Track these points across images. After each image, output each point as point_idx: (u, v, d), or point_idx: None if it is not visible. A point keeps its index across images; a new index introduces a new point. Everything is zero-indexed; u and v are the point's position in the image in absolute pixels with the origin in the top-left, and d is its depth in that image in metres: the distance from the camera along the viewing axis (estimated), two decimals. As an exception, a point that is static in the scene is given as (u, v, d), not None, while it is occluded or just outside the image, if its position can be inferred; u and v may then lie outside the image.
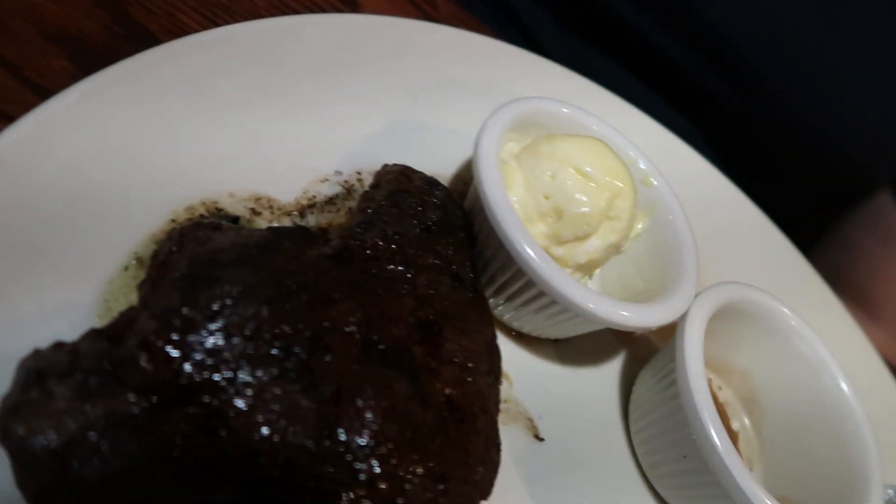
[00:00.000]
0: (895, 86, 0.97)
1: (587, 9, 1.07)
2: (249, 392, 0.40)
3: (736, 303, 0.63)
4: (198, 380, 0.39)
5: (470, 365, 0.50)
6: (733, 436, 0.68)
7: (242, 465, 0.38)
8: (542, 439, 0.58)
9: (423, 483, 0.43)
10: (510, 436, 0.56)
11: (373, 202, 0.55)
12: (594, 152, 0.55)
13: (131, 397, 0.37)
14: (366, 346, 0.46)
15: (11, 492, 0.37)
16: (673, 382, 0.58)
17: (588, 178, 0.54)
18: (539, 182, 0.55)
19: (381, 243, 0.52)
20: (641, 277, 0.65)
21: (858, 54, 0.97)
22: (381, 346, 0.46)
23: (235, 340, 0.41)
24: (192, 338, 0.40)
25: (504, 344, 0.59)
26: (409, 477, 0.42)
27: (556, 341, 0.64)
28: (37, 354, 0.38)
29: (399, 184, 0.57)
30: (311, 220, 0.57)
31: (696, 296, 0.59)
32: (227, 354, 0.40)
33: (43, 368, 0.36)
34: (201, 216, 0.51)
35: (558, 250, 0.56)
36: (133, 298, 0.46)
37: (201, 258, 0.44)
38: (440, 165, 0.66)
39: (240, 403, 0.39)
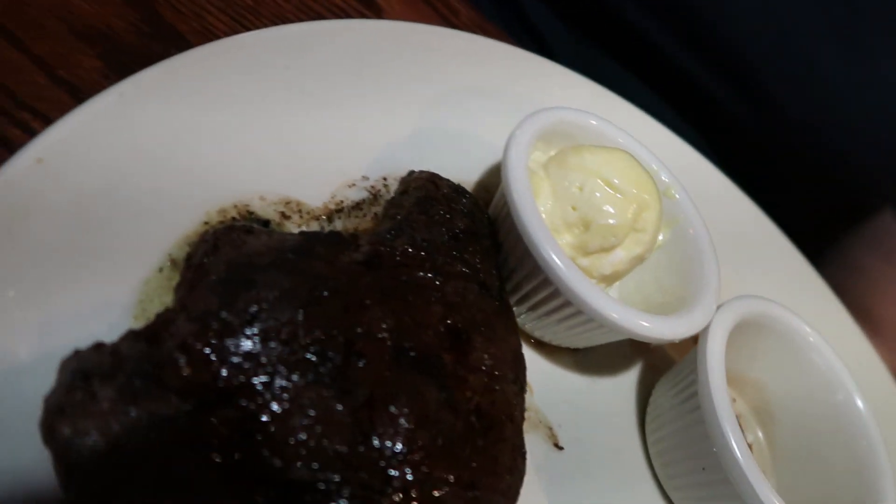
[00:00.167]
0: None
1: (600, 16, 1.07)
2: (286, 396, 0.40)
3: (754, 317, 0.63)
4: (235, 383, 0.40)
5: (497, 373, 0.50)
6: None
7: (278, 469, 0.38)
8: (561, 448, 0.59)
9: (453, 491, 0.43)
10: (531, 444, 0.56)
11: (401, 209, 0.55)
12: (622, 164, 0.56)
13: (172, 399, 0.37)
14: (397, 353, 0.46)
15: (52, 491, 0.37)
16: (693, 395, 0.58)
17: (616, 190, 0.55)
18: (567, 193, 0.56)
19: (410, 250, 0.52)
20: (660, 289, 0.66)
21: (871, 74, 0.98)
22: (412, 353, 0.47)
23: (272, 344, 0.41)
24: (229, 341, 0.40)
25: (524, 352, 0.60)
26: (441, 484, 0.42)
27: (574, 351, 0.65)
28: (78, 355, 0.38)
29: (427, 191, 0.57)
30: (339, 225, 0.57)
31: (717, 309, 0.60)
32: (263, 358, 0.41)
33: (87, 369, 0.36)
34: (233, 219, 0.51)
35: (584, 261, 0.56)
36: (167, 300, 0.46)
37: (238, 262, 0.44)
38: (463, 173, 0.66)
39: (276, 407, 0.40)
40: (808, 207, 1.15)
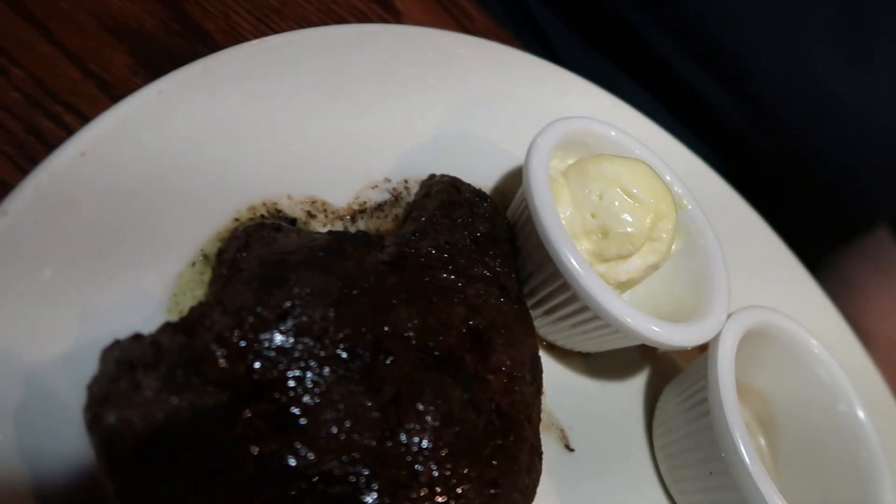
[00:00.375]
0: None
1: (609, 28, 1.09)
2: (317, 391, 0.41)
3: (762, 327, 0.65)
4: (269, 377, 0.41)
5: (516, 374, 0.51)
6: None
7: (311, 462, 0.39)
8: (572, 450, 0.60)
9: (476, 487, 0.44)
10: (544, 445, 0.58)
11: (425, 211, 0.56)
12: (641, 174, 0.57)
13: (211, 391, 0.38)
14: (422, 352, 0.47)
15: (92, 478, 0.38)
16: (701, 401, 0.60)
17: (634, 200, 0.56)
18: (587, 201, 0.57)
19: (433, 252, 0.53)
20: (670, 298, 0.67)
21: (876, 93, 1.00)
22: (436, 353, 0.48)
23: (304, 340, 0.42)
24: (264, 336, 0.41)
25: (538, 355, 0.61)
26: (465, 481, 0.44)
27: (585, 355, 0.66)
28: (119, 345, 0.39)
29: (449, 194, 0.58)
30: (361, 225, 0.58)
31: (727, 318, 0.61)
32: (296, 353, 0.42)
33: (130, 359, 0.37)
34: (262, 216, 0.52)
35: (601, 267, 0.57)
36: (199, 294, 0.47)
37: (271, 259, 0.46)
38: (480, 178, 0.67)
39: (308, 401, 0.41)
40: (806, 220, 1.17)
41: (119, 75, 0.58)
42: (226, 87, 0.52)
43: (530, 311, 0.61)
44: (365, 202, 0.59)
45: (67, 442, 0.39)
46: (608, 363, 0.67)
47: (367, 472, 0.41)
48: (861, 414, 0.66)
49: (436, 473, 0.43)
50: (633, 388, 0.68)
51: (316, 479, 0.39)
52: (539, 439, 0.51)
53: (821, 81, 1.00)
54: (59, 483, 0.37)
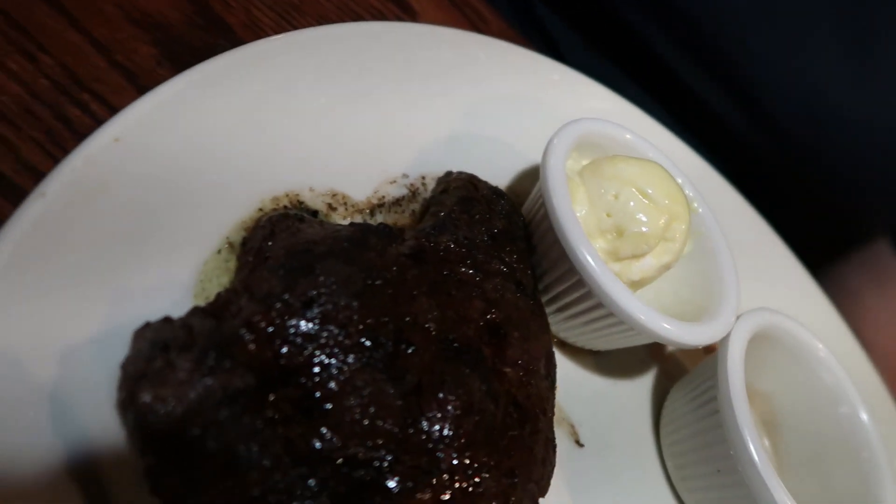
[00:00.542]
0: None
1: (616, 34, 1.10)
2: (342, 377, 0.42)
3: (768, 329, 0.66)
4: (295, 362, 0.41)
5: (532, 368, 0.52)
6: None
7: (337, 446, 0.40)
8: (582, 445, 0.61)
9: (494, 477, 0.45)
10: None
11: (444, 206, 0.57)
12: (656, 176, 0.58)
13: (242, 374, 0.39)
14: (442, 344, 0.48)
15: (122, 457, 0.39)
16: (710, 400, 0.61)
17: (649, 200, 0.57)
18: (602, 200, 0.58)
19: (452, 246, 0.54)
20: (678, 299, 0.68)
21: (879, 104, 1.01)
22: (455, 345, 0.49)
23: (329, 328, 0.43)
24: (291, 322, 0.42)
25: (549, 351, 0.62)
26: (484, 470, 0.44)
27: (595, 353, 0.67)
28: (151, 327, 0.40)
29: (467, 191, 0.59)
30: (379, 219, 0.59)
31: (737, 319, 0.62)
32: (321, 340, 0.42)
33: (165, 340, 0.38)
34: (285, 207, 0.53)
35: (615, 266, 0.58)
36: (224, 281, 0.48)
37: (297, 248, 0.46)
38: (494, 176, 0.68)
39: (333, 387, 0.41)
40: (805, 227, 1.18)
41: (144, 66, 0.59)
42: (253, 80, 0.53)
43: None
44: (383, 197, 0.60)
45: (98, 419, 0.39)
46: (617, 362, 0.68)
47: (390, 458, 0.41)
48: (864, 416, 0.67)
49: (456, 461, 0.44)
50: (641, 386, 0.69)
51: (340, 462, 0.40)
52: (553, 432, 0.52)
53: (823, 91, 1.01)
54: (92, 461, 0.38)
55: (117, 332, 0.41)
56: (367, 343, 0.44)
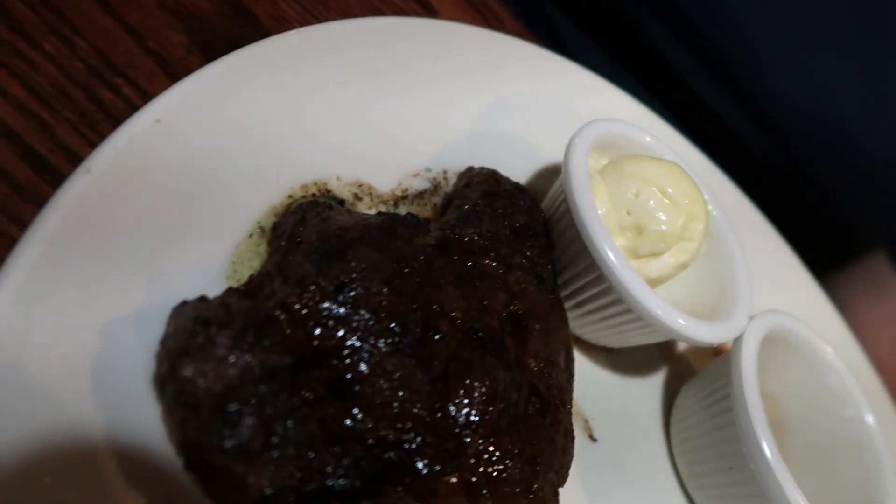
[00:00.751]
0: None
1: (628, 41, 1.12)
2: (373, 361, 0.43)
3: (779, 331, 0.67)
4: (328, 345, 0.42)
5: (552, 360, 0.53)
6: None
7: (368, 427, 0.41)
8: (595, 440, 0.62)
9: (518, 464, 0.46)
10: (570, 433, 0.60)
11: (467, 200, 0.58)
12: (676, 176, 0.59)
13: (279, 352, 0.39)
14: (467, 333, 0.49)
15: (158, 433, 0.40)
16: (721, 399, 0.62)
17: (669, 199, 0.58)
18: (623, 198, 0.59)
19: (476, 238, 0.55)
20: (689, 298, 0.69)
21: (888, 122, 1.02)
22: (479, 334, 0.49)
23: (361, 312, 0.44)
24: (323, 306, 0.43)
25: (565, 347, 0.63)
26: (508, 456, 0.45)
27: (608, 350, 0.68)
28: (189, 305, 0.41)
29: (490, 185, 0.60)
30: (403, 211, 0.60)
31: (751, 320, 0.63)
32: (353, 324, 0.43)
33: (206, 317, 0.38)
34: (313, 195, 0.54)
35: (633, 264, 0.59)
36: (255, 264, 0.49)
37: (329, 233, 0.47)
38: (511, 173, 0.69)
39: (364, 370, 0.42)
40: (805, 235, 1.19)
41: (175, 53, 0.59)
42: (285, 70, 0.54)
43: (561, 304, 0.63)
44: (407, 189, 0.61)
45: (134, 394, 0.40)
46: (629, 360, 0.69)
47: (419, 440, 0.42)
48: (869, 419, 0.68)
49: (482, 447, 0.45)
50: (652, 385, 0.70)
51: (372, 442, 0.41)
52: (572, 424, 0.53)
53: (831, 102, 1.03)
54: (129, 436, 0.39)
55: (153, 309, 0.42)
56: (397, 329, 0.45)
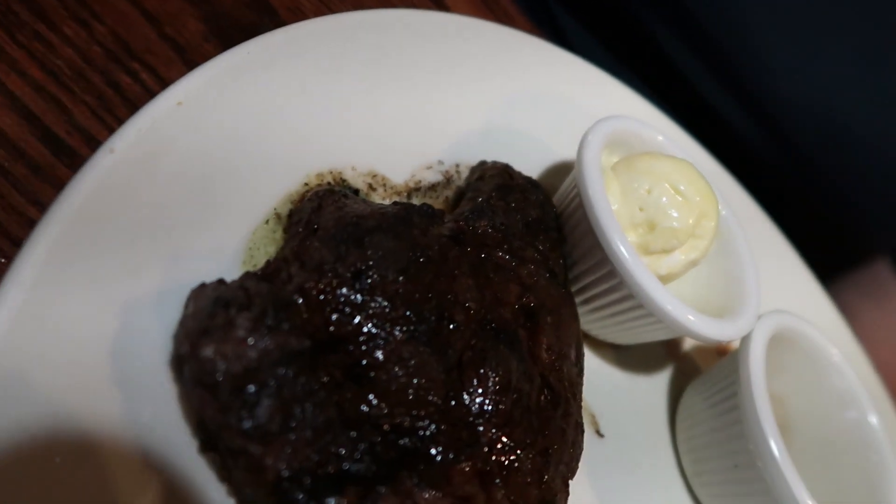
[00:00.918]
0: None
1: (634, 44, 1.12)
2: (389, 348, 0.43)
3: (786, 331, 0.67)
4: (344, 330, 0.42)
5: (563, 353, 0.53)
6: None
7: (384, 413, 0.41)
8: (602, 435, 0.62)
9: (530, 454, 0.46)
10: (577, 428, 0.60)
11: (481, 192, 0.58)
12: (688, 174, 0.60)
13: (298, 336, 0.40)
14: (481, 323, 0.49)
15: (175, 410, 0.40)
16: (728, 397, 0.62)
17: (682, 196, 0.59)
18: (636, 194, 0.59)
19: (490, 231, 0.55)
20: (696, 297, 0.69)
21: (894, 127, 1.03)
22: (492, 325, 0.50)
23: (377, 299, 0.44)
24: (340, 292, 0.43)
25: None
26: (521, 446, 0.45)
27: (616, 347, 0.68)
28: (207, 287, 0.41)
29: (503, 179, 0.60)
30: (416, 202, 0.60)
31: (759, 319, 0.63)
32: (369, 311, 0.43)
33: (226, 298, 0.38)
34: (329, 184, 0.54)
35: (644, 260, 0.59)
36: (271, 250, 0.49)
37: (347, 221, 0.47)
38: (522, 169, 0.69)
39: (380, 356, 0.42)
40: (808, 240, 1.19)
41: (192, 40, 0.60)
42: (304, 58, 0.54)
43: (570, 299, 0.63)
44: (420, 181, 0.61)
45: (150, 374, 0.40)
46: (636, 357, 0.69)
47: (433, 428, 0.42)
48: (874, 421, 0.68)
49: (495, 436, 0.45)
50: (658, 383, 0.70)
51: (387, 428, 0.41)
52: (582, 417, 0.53)
53: (837, 108, 1.03)
54: (147, 416, 0.39)
55: (170, 292, 0.42)
56: (412, 317, 0.45)
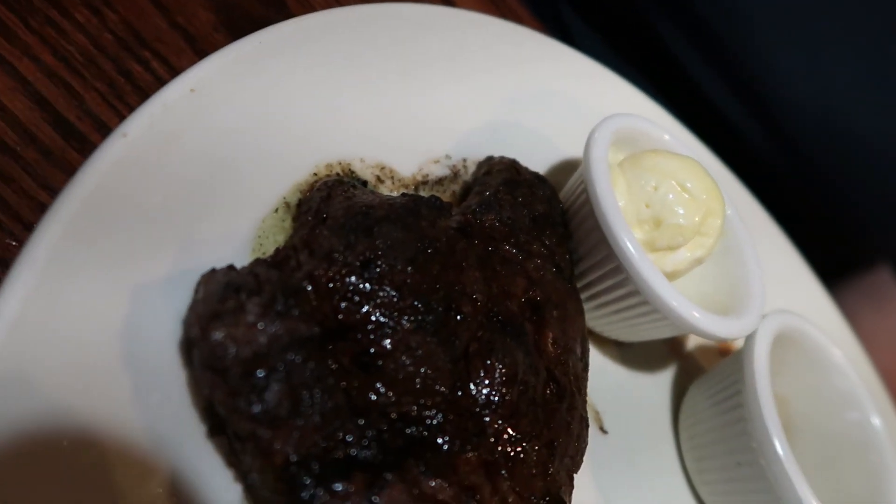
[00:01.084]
0: None
1: (645, 48, 1.12)
2: (397, 337, 0.43)
3: (789, 332, 0.67)
4: (353, 319, 0.42)
5: (568, 347, 0.54)
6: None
7: (391, 402, 0.41)
8: (605, 432, 0.62)
9: (535, 446, 0.46)
10: (581, 423, 0.60)
11: (488, 186, 0.58)
12: (695, 172, 0.60)
13: (307, 322, 0.40)
14: (488, 315, 0.49)
15: (183, 397, 0.40)
16: (733, 395, 0.62)
17: (688, 194, 0.59)
18: (642, 191, 0.59)
19: (497, 224, 0.55)
20: (700, 295, 0.69)
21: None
22: (499, 318, 0.50)
23: (385, 289, 0.44)
24: (349, 280, 0.43)
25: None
26: (527, 438, 0.45)
27: (620, 345, 0.68)
28: (216, 272, 0.41)
29: (511, 174, 0.60)
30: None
31: (763, 318, 0.64)
32: (378, 300, 0.43)
33: (237, 283, 0.39)
34: (337, 174, 0.54)
35: (650, 256, 0.59)
36: (280, 239, 0.49)
37: (356, 210, 0.47)
38: (530, 166, 0.70)
39: (388, 345, 0.42)
40: (810, 243, 1.19)
41: (202, 30, 0.60)
42: (315, 49, 0.54)
43: (575, 296, 0.63)
44: (427, 175, 0.61)
45: (160, 357, 0.40)
46: (640, 355, 0.69)
47: (440, 417, 0.42)
48: (876, 422, 0.68)
49: (501, 427, 0.45)
50: (661, 381, 0.70)
51: (394, 417, 0.41)
52: (587, 411, 0.53)
53: (842, 113, 1.03)
54: (155, 401, 0.39)
55: (180, 277, 0.42)
56: (420, 307, 0.45)
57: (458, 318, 0.47)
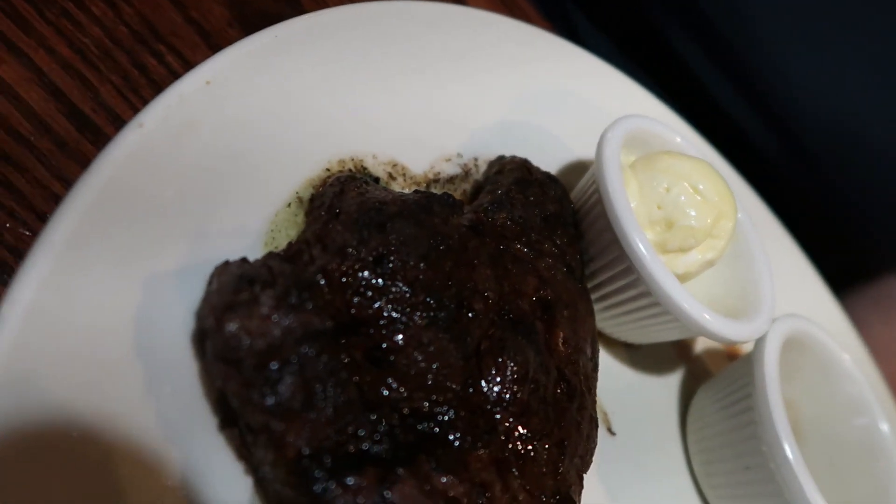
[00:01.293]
0: None
1: (653, 50, 1.12)
2: (409, 333, 0.43)
3: (798, 336, 0.67)
4: (365, 314, 0.42)
5: (579, 347, 0.53)
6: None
7: (404, 397, 0.41)
8: (614, 433, 0.62)
9: (546, 445, 0.46)
10: (589, 424, 0.60)
11: (500, 185, 0.58)
12: (707, 174, 0.60)
13: (321, 316, 0.40)
14: (499, 313, 0.49)
15: (195, 388, 0.40)
16: (743, 398, 0.62)
17: (700, 196, 0.59)
18: (654, 193, 0.59)
19: (509, 223, 0.55)
20: (710, 299, 0.69)
21: None
22: (510, 316, 0.50)
23: (398, 284, 0.44)
24: (362, 275, 0.43)
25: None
26: (537, 437, 0.45)
27: (628, 346, 0.68)
28: (230, 264, 0.41)
29: (522, 173, 0.60)
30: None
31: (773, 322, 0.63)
32: (390, 295, 0.43)
33: (251, 275, 0.38)
34: (350, 170, 0.54)
35: (661, 258, 0.59)
36: (292, 233, 0.49)
37: (369, 206, 0.47)
38: (541, 166, 0.70)
39: (400, 340, 0.42)
40: (819, 249, 1.19)
41: (217, 25, 0.60)
42: (330, 45, 0.54)
43: (584, 296, 0.63)
44: (439, 173, 0.61)
45: (173, 348, 0.40)
46: (648, 358, 0.69)
47: (452, 414, 0.42)
48: (884, 427, 0.68)
49: (512, 425, 0.45)
50: (670, 384, 0.70)
51: (406, 412, 0.41)
52: (596, 412, 0.53)
53: (853, 119, 1.03)
54: (167, 392, 0.39)
55: (193, 269, 0.42)
56: (432, 303, 0.45)
57: (470, 315, 0.47)
